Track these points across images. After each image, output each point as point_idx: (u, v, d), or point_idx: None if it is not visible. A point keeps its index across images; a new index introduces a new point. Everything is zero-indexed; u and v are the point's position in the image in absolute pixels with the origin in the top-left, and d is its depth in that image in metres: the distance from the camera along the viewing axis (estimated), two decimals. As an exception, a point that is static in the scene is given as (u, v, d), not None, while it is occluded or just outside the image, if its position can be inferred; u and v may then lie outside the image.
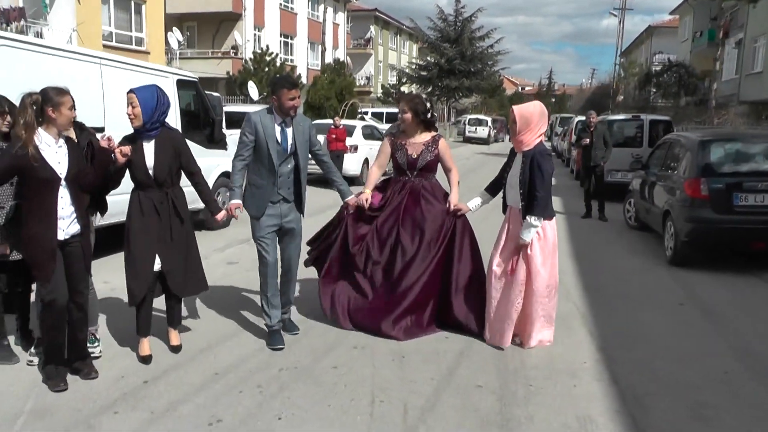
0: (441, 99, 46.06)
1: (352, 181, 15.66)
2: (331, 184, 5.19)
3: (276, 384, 4.18)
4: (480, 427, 3.69)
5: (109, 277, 6.30)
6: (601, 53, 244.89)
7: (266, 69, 29.36)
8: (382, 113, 30.48)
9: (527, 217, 4.67)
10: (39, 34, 18.96)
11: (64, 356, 4.14)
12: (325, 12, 37.33)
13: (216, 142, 9.29)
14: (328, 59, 35.67)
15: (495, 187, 5.20)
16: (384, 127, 24.69)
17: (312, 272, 5.58)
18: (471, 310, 5.10)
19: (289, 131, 4.80)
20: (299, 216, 5.01)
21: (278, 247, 4.95)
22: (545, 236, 4.76)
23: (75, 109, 4.02)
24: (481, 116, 45.71)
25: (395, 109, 32.43)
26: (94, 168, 4.11)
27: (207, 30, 33.03)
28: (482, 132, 42.92)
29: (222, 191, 9.37)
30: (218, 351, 4.75)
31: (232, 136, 13.07)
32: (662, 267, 7.95)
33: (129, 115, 4.31)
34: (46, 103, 3.85)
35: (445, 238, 5.11)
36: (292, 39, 38.28)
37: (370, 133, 17.65)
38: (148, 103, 4.31)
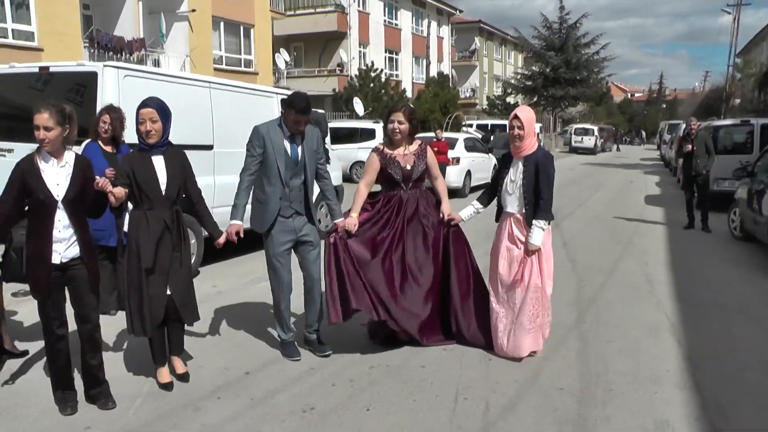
0: (547, 109, 45.41)
1: (455, 193, 15.91)
2: (325, 201, 5.04)
3: (367, 379, 4.53)
4: (556, 425, 3.87)
5: (217, 281, 6.93)
6: (716, 53, 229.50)
7: (371, 85, 30.19)
8: (487, 125, 30.56)
9: (535, 222, 4.68)
10: (157, 62, 20.61)
11: (69, 381, 4.07)
12: (429, 26, 37.83)
13: (320, 156, 9.80)
14: (434, 72, 36.09)
15: (488, 196, 5.20)
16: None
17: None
18: (475, 324, 5.10)
19: (299, 143, 4.71)
20: (314, 228, 4.90)
21: (290, 264, 4.88)
22: (545, 241, 4.82)
23: (47, 131, 3.71)
24: (587, 125, 44.69)
25: (500, 121, 32.48)
26: (93, 201, 3.96)
27: (314, 49, 34.40)
28: (588, 141, 41.96)
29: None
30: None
31: (337, 151, 13.77)
32: (765, 279, 7.70)
33: (150, 131, 4.10)
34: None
35: (441, 248, 5.07)
36: (396, 54, 39.05)
37: (472, 146, 17.87)
38: (168, 117, 4.23)
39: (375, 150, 5.08)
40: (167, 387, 4.34)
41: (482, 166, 18.00)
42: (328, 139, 16.22)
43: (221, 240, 4.52)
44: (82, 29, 18.48)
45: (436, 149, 15.97)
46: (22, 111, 7.24)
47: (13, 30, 16.71)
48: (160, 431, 3.80)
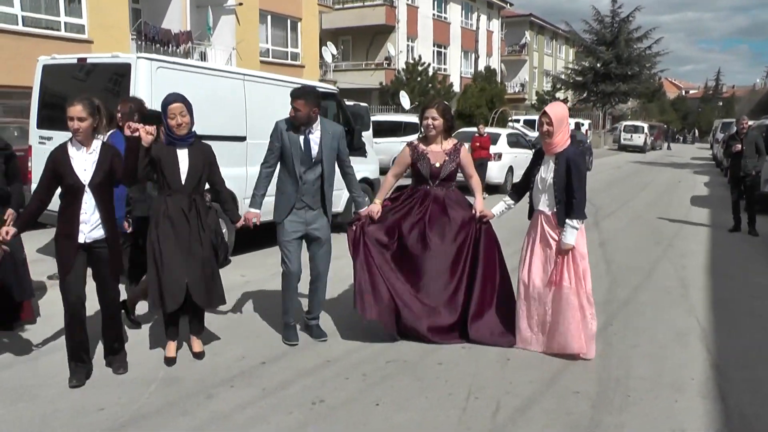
0: (596, 105, 44.58)
1: (496, 189, 15.76)
2: (350, 195, 5.30)
3: (381, 374, 4.52)
4: (566, 430, 3.79)
5: (246, 271, 7.01)
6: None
7: (418, 79, 30.11)
8: (534, 121, 30.13)
9: (568, 221, 4.60)
10: (203, 54, 20.98)
11: (83, 354, 4.31)
12: (478, 20, 37.51)
13: (356, 149, 9.82)
14: (483, 67, 35.78)
15: (519, 192, 5.13)
16: (535, 134, 24.47)
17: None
18: (495, 324, 5.04)
19: (315, 138, 4.81)
20: (326, 223, 4.99)
21: (300, 254, 5.00)
22: (579, 240, 4.71)
23: (81, 121, 4.01)
24: (637, 122, 43.68)
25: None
26: (125, 158, 4.19)
27: (361, 43, 34.52)
28: (638, 139, 40.94)
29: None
30: (333, 341, 5.14)
31: (380, 144, 13.77)
32: (811, 286, 7.38)
33: (180, 124, 4.39)
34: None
35: (470, 246, 5.05)
36: (445, 48, 38.85)
37: (515, 141, 17.65)
38: (191, 111, 4.49)
39: (409, 144, 5.19)
40: (169, 362, 4.59)
41: (525, 162, 17.47)
42: (369, 133, 16.36)
43: (239, 224, 4.82)
44: (131, 22, 18.94)
45: (478, 144, 15.93)
46: (63, 101, 7.48)
47: (65, 23, 17.26)
48: (171, 417, 3.86)
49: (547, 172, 4.75)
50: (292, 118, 4.76)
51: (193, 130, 4.53)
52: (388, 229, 5.06)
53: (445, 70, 38.04)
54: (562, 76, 46.06)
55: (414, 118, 19.44)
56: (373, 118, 18.08)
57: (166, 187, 4.44)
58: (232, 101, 7.62)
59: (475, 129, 16.99)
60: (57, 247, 4.25)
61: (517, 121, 30.52)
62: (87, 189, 4.09)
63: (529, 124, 29.22)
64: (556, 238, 4.72)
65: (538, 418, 3.93)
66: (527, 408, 4.06)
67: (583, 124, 32.09)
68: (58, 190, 4.19)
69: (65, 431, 3.69)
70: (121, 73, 6.77)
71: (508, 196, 5.16)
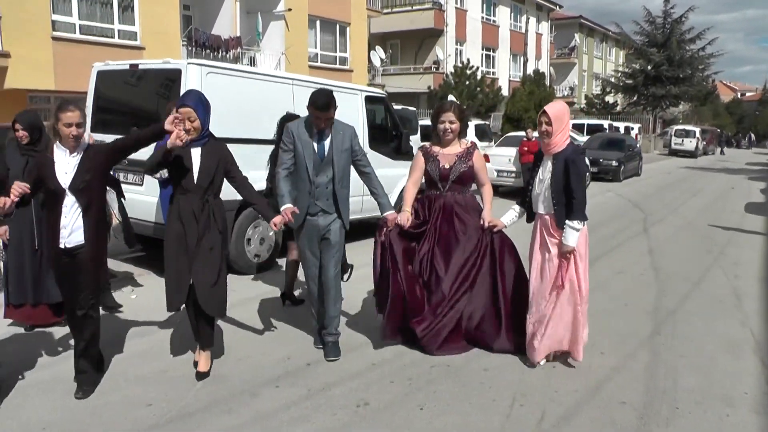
0: (646, 109, 43.68)
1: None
2: (372, 196, 4.95)
3: (425, 378, 4.52)
4: (612, 439, 3.75)
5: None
6: None
7: (467, 82, 30.03)
8: (583, 125, 29.73)
9: (568, 222, 4.44)
10: (252, 60, 21.31)
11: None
12: (527, 22, 37.15)
13: (403, 153, 9.85)
14: (531, 70, 35.46)
15: (525, 198, 4.90)
16: (583, 139, 24.14)
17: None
18: (520, 334, 4.85)
19: (327, 140, 4.67)
20: (339, 227, 4.81)
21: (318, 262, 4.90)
22: (583, 241, 4.58)
23: (79, 128, 4.02)
24: (688, 127, 42.60)
25: (597, 121, 31.52)
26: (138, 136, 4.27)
27: (410, 47, 34.61)
28: (689, 144, 39.70)
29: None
30: (379, 344, 5.14)
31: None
32: None
33: (189, 130, 4.25)
34: (54, 117, 4.04)
35: (483, 257, 4.88)
36: (493, 51, 38.65)
37: (562, 146, 17.39)
38: (207, 111, 4.43)
39: (421, 147, 5.04)
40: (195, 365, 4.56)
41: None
42: (417, 137, 16.39)
43: (277, 220, 4.48)
44: (182, 28, 19.38)
45: (526, 149, 15.76)
46: (116, 105, 7.71)
47: (118, 30, 17.82)
48: (216, 414, 3.96)
49: (544, 173, 4.60)
50: (320, 127, 4.60)
51: (207, 130, 4.44)
52: (408, 239, 4.91)
53: (493, 73, 37.83)
54: (612, 79, 45.31)
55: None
56: (420, 122, 18.13)
57: (179, 186, 4.40)
58: (281, 105, 7.71)
59: (523, 133, 16.83)
60: (44, 253, 4.26)
61: (566, 125, 30.09)
62: (68, 192, 4.02)
63: (578, 128, 28.81)
64: (556, 240, 4.57)
65: (583, 427, 3.89)
66: (572, 417, 4.01)
67: (633, 128, 31.45)
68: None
69: (114, 424, 3.83)
70: (171, 78, 6.94)
71: (517, 204, 4.97)
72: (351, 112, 8.94)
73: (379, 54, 30.44)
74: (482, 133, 19.55)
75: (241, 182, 4.55)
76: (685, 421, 3.98)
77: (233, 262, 7.23)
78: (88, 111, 7.83)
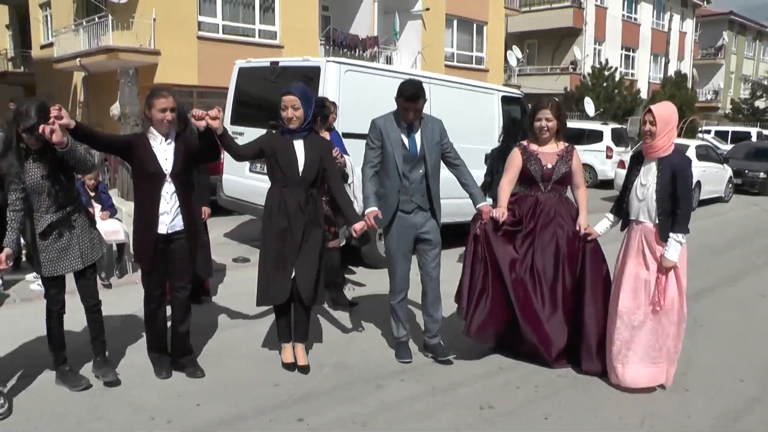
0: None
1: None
2: (463, 188, 4.75)
3: (552, 387, 4.40)
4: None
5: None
6: None
7: (604, 84, 28.95)
8: (727, 132, 27.83)
9: (672, 235, 4.09)
10: (389, 58, 21.60)
11: (165, 345, 4.43)
12: (670, 20, 35.20)
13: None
14: (673, 71, 33.63)
15: (621, 206, 4.57)
16: (727, 147, 22.59)
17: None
18: (599, 352, 4.56)
19: (417, 135, 4.54)
20: (436, 225, 4.68)
21: (410, 263, 4.73)
22: (684, 256, 4.19)
23: (172, 112, 4.07)
24: None
25: (744, 128, 29.35)
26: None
27: (547, 46, 33.84)
28: None
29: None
30: (506, 350, 5.00)
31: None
32: None
33: (291, 118, 4.26)
34: (146, 104, 4.10)
35: (576, 267, 4.62)
36: (633, 51, 36.97)
37: (705, 154, 16.27)
38: (310, 104, 4.36)
39: (519, 145, 4.80)
40: (289, 367, 4.50)
41: (715, 177, 16.23)
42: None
43: (357, 227, 4.34)
44: (320, 28, 20.06)
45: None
46: (255, 100, 8.09)
47: (259, 30, 18.82)
48: (340, 400, 4.08)
49: (647, 179, 4.29)
50: (409, 119, 4.47)
51: (309, 122, 4.39)
52: (504, 238, 4.68)
53: (632, 74, 36.18)
54: (765, 82, 41.95)
55: (597, 126, 18.73)
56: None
57: (282, 178, 4.31)
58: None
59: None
60: (134, 239, 4.29)
61: (708, 132, 28.26)
62: (168, 178, 4.11)
63: (722, 135, 27.01)
64: (657, 253, 4.25)
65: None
66: (708, 443, 3.76)
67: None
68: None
69: (244, 400, 4.05)
70: (310, 76, 7.16)
71: (611, 212, 4.68)
72: (487, 112, 8.88)
73: (515, 54, 29.89)
74: (618, 138, 18.69)
75: (335, 178, 4.53)
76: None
77: (365, 257, 7.38)
78: (229, 105, 8.28)
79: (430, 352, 4.83)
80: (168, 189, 4.12)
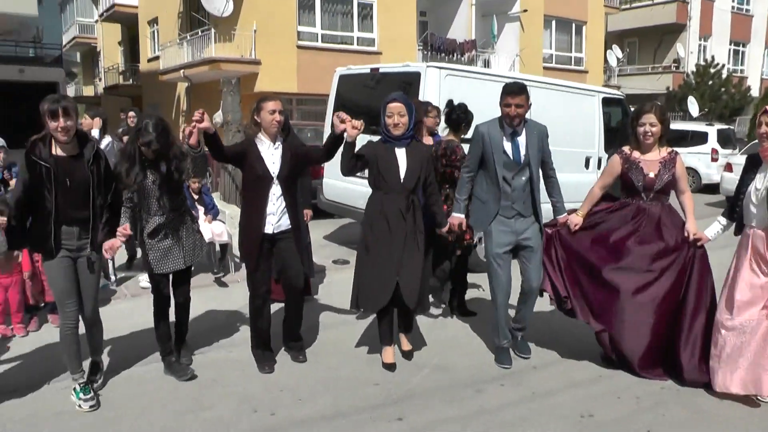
0: None
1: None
2: (549, 197, 4.76)
3: (654, 399, 4.27)
4: None
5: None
6: None
7: (710, 82, 27.58)
8: None
9: None
10: (486, 62, 21.47)
11: (268, 341, 4.65)
12: (790, 9, 32.81)
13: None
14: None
15: (733, 209, 4.33)
16: None
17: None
18: (698, 358, 4.37)
19: (521, 140, 4.51)
20: (538, 231, 4.64)
21: (510, 267, 4.70)
22: None
23: (281, 114, 4.33)
24: None
25: None
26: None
27: (648, 45, 32.55)
28: None
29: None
30: (606, 359, 4.87)
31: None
32: None
33: (397, 124, 4.35)
34: (255, 109, 4.39)
35: (683, 273, 4.42)
36: (743, 46, 34.93)
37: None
38: (412, 113, 4.44)
39: (619, 152, 4.65)
40: (389, 367, 4.59)
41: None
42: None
43: (444, 230, 4.71)
44: (418, 34, 20.23)
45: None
46: (355, 106, 8.25)
47: (358, 37, 19.21)
48: (440, 402, 4.14)
49: (763, 182, 4.08)
50: (512, 118, 4.44)
51: (411, 130, 4.48)
52: (589, 240, 4.63)
53: (741, 71, 34.19)
54: None
55: (702, 127, 17.86)
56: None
57: (384, 185, 4.41)
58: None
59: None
60: (241, 238, 4.55)
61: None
62: (275, 181, 4.35)
63: None
64: None
65: None
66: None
67: None
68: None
69: (344, 397, 4.19)
70: (409, 81, 7.26)
71: (722, 216, 4.46)
72: (586, 114, 8.68)
73: (615, 53, 28.99)
74: (725, 139, 17.65)
75: (432, 187, 4.64)
76: None
77: (476, 264, 7.33)
78: (329, 112, 8.50)
79: (504, 341, 4.78)
80: (275, 191, 4.37)
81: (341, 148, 4.36)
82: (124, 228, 4.04)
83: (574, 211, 4.75)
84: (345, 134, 4.23)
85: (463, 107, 5.75)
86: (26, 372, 4.57)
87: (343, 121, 4.19)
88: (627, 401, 4.21)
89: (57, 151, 3.82)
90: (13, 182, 6.12)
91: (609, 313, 4.50)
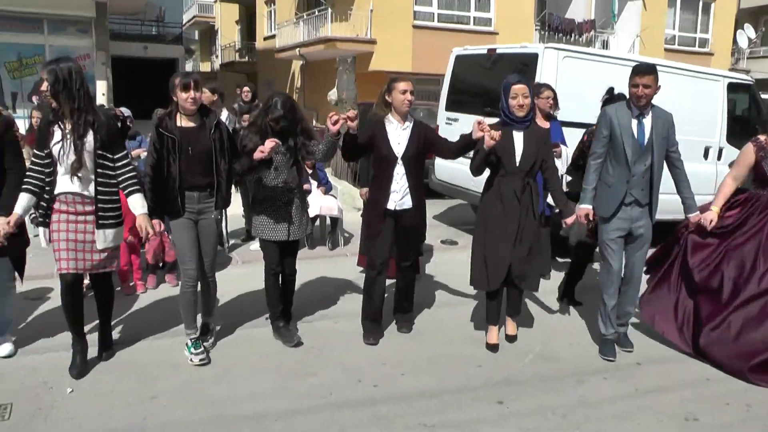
0: None
1: None
2: (678, 193, 4.58)
3: (766, 409, 4.08)
4: None
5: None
6: None
7: None
8: None
9: None
10: (605, 43, 20.64)
11: (378, 316, 4.82)
12: None
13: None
14: None
15: None
16: None
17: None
18: None
19: (647, 124, 4.37)
20: (650, 223, 4.52)
21: (622, 253, 4.62)
22: None
23: (412, 95, 4.47)
24: None
25: None
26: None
27: (788, 24, 29.98)
28: None
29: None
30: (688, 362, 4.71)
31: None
32: None
33: (522, 105, 4.36)
34: (386, 90, 4.52)
35: None
36: None
37: None
38: (531, 97, 4.46)
39: (753, 140, 4.45)
40: (492, 348, 4.69)
41: None
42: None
43: (569, 221, 4.59)
44: (535, 13, 19.77)
45: None
46: (471, 87, 8.21)
47: (474, 17, 19.05)
48: (540, 390, 4.13)
49: None
50: (639, 98, 4.31)
51: (531, 113, 4.51)
52: (713, 242, 4.52)
53: None
54: None
55: None
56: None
57: (500, 168, 4.45)
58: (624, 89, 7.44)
59: None
60: (366, 211, 4.83)
61: None
62: (399, 161, 4.50)
63: None
64: None
65: None
66: None
67: None
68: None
69: (447, 376, 4.28)
70: (526, 62, 7.12)
71: None
72: (708, 101, 8.18)
73: (747, 33, 26.75)
74: None
75: (551, 170, 4.61)
76: None
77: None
78: (444, 92, 8.49)
79: (610, 331, 4.70)
80: (399, 170, 4.54)
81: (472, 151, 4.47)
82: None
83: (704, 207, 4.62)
84: (483, 144, 4.24)
85: (621, 96, 5.60)
86: (147, 325, 4.94)
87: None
88: (737, 408, 4.02)
89: (182, 123, 4.17)
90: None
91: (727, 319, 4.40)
